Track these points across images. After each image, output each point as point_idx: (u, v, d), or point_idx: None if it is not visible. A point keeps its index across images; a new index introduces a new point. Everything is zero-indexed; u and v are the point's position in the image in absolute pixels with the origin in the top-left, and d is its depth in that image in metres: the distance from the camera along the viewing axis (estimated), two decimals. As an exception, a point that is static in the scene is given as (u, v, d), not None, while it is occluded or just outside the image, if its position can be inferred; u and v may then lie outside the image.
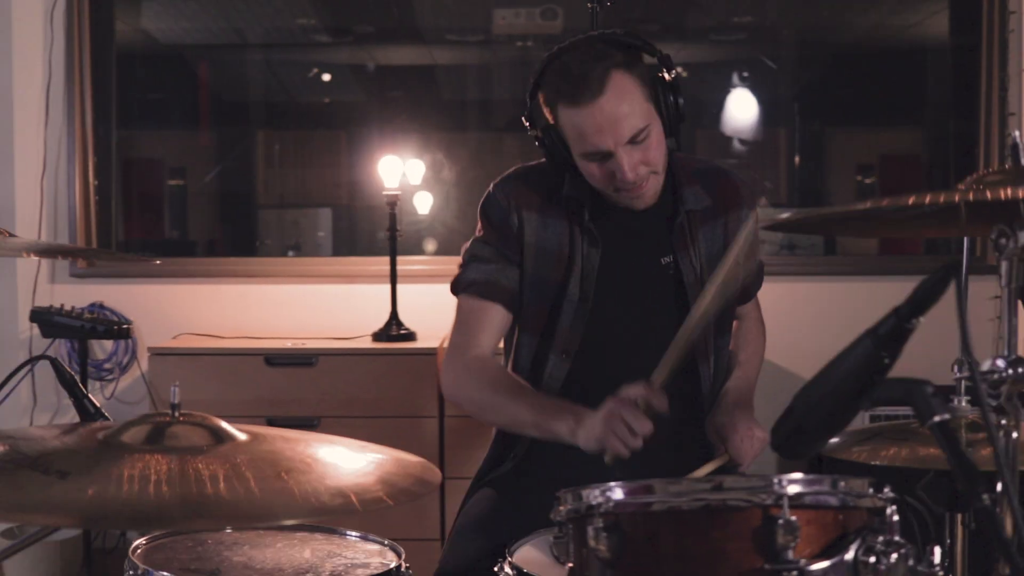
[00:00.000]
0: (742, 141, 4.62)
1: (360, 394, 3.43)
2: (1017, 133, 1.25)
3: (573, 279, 2.04)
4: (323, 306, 3.88)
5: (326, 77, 5.28)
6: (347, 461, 1.48)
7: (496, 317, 2.08)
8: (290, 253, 4.67)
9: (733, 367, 2.23)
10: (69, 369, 1.71)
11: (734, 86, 4.55)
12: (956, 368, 1.58)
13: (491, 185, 2.14)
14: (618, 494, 1.31)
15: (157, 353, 3.49)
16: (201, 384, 3.44)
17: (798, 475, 1.29)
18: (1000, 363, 1.24)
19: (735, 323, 2.30)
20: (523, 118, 2.03)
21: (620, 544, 1.27)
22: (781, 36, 4.70)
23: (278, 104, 5.23)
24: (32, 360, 1.72)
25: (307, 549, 1.88)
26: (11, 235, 1.69)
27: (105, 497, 1.17)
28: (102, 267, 3.96)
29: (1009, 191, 1.17)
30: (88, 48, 3.94)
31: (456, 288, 2.12)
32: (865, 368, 1.15)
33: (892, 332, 1.13)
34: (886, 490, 1.32)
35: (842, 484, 1.29)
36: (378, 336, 3.63)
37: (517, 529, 1.78)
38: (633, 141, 1.90)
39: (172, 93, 5.12)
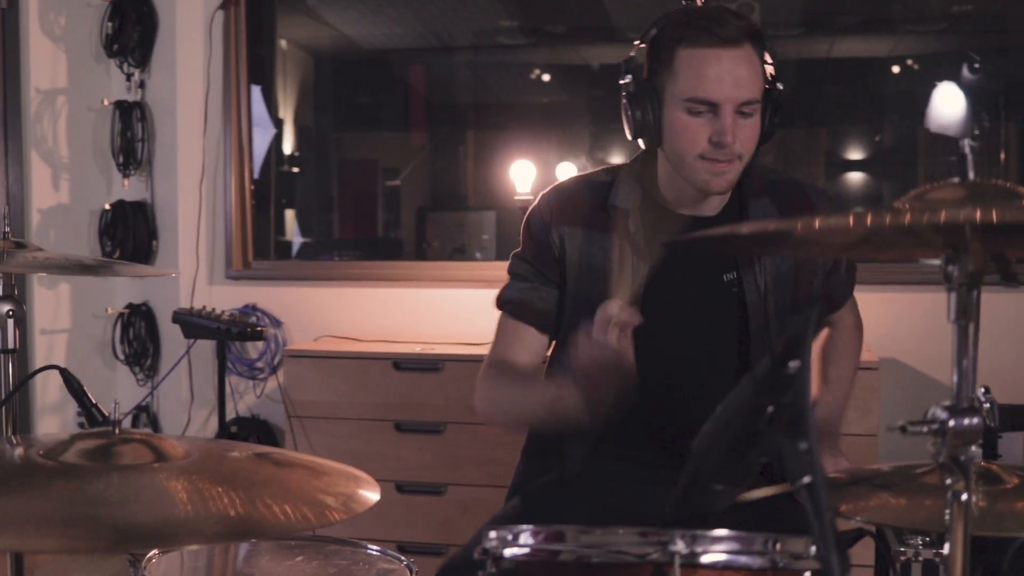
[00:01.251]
0: (973, 137, 4.30)
1: (485, 401, 3.39)
2: (967, 142, 1.06)
3: (620, 296, 1.91)
4: (461, 310, 3.87)
5: (546, 78, 5.30)
6: (283, 477, 1.44)
7: (528, 338, 1.99)
8: (477, 256, 4.71)
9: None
10: (77, 379, 1.74)
11: (962, 78, 4.24)
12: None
13: (537, 197, 2.04)
14: (524, 539, 1.21)
15: (292, 355, 3.57)
16: (332, 386, 3.50)
17: (721, 531, 1.16)
18: (940, 412, 1.06)
19: (826, 331, 2.11)
20: (623, 67, 1.89)
21: (509, 592, 1.18)
22: (1004, 24, 4.35)
23: (486, 105, 5.29)
24: (39, 370, 1.77)
25: (323, 563, 1.87)
26: (19, 245, 1.74)
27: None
28: (257, 270, 4.11)
29: (944, 214, 1.00)
30: (245, 59, 4.09)
31: (496, 304, 2.04)
32: (748, 416, 1.01)
33: (770, 377, 0.98)
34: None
35: (776, 545, 1.15)
36: (508, 343, 3.58)
37: None
38: (741, 111, 1.79)
39: (381, 96, 5.28)
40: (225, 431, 3.94)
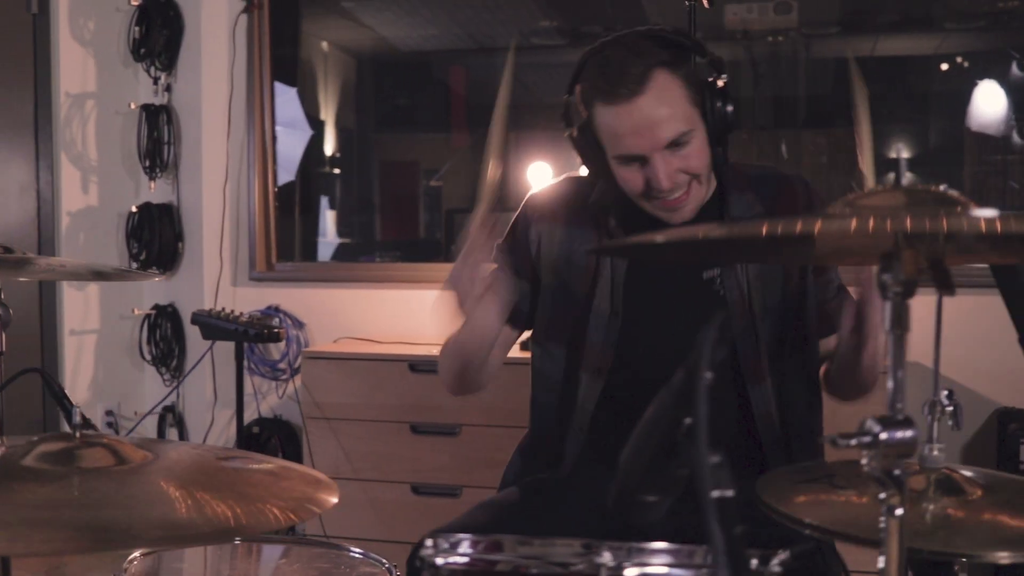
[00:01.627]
0: (1021, 135, 4.24)
1: (500, 403, 3.38)
2: (900, 147, 1.03)
3: (600, 291, 1.92)
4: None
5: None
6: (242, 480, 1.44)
7: None
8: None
9: None
10: (57, 383, 1.76)
11: (1010, 77, 4.16)
12: (926, 409, 1.35)
13: (528, 195, 2.07)
14: (462, 548, 1.21)
15: (309, 357, 3.59)
16: (348, 388, 3.51)
17: (660, 544, 1.14)
18: (873, 425, 1.04)
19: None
20: (561, 116, 1.93)
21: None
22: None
23: (526, 106, 5.28)
24: (20, 373, 1.79)
25: (306, 566, 1.87)
26: (7, 250, 1.76)
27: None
28: (280, 271, 4.13)
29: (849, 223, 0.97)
30: (268, 61, 4.12)
31: None
32: (667, 426, 0.99)
33: (686, 388, 0.96)
34: (774, 562, 1.15)
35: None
36: (525, 345, 3.56)
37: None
38: (672, 146, 1.78)
39: (421, 98, 5.30)
40: (247, 432, 3.97)
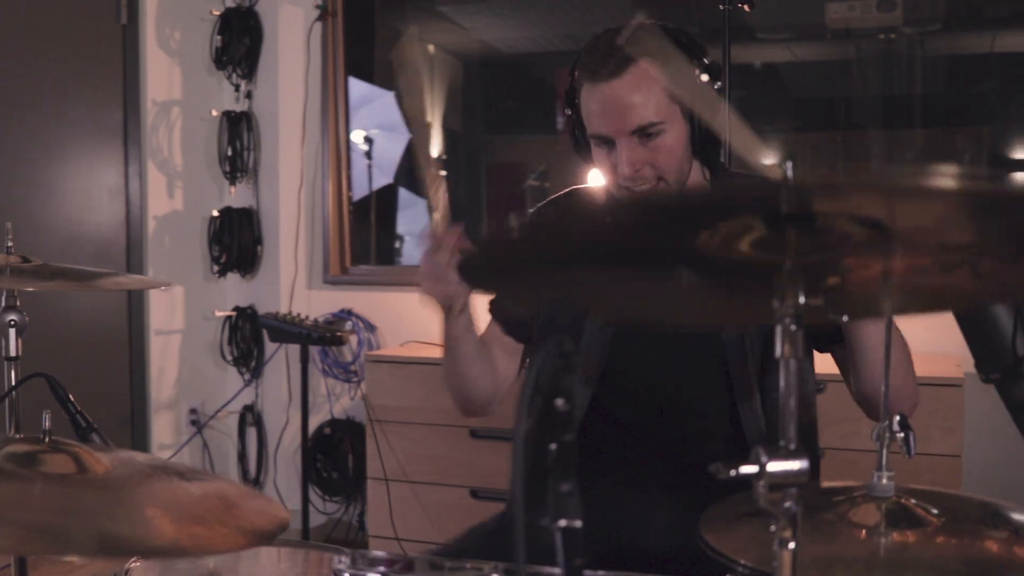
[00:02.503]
0: None
1: (558, 409, 3.36)
2: (789, 164, 0.99)
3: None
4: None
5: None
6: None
7: (497, 336, 2.04)
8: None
9: None
10: (62, 386, 1.82)
11: None
12: (874, 435, 1.29)
13: (535, 207, 2.07)
14: (375, 566, 1.21)
15: (372, 360, 3.63)
16: (410, 391, 3.54)
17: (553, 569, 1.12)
18: (762, 455, 1.00)
19: None
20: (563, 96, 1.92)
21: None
22: None
23: None
24: (27, 378, 1.85)
25: (296, 569, 1.89)
26: (26, 260, 1.83)
27: None
28: (353, 275, 4.19)
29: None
30: (343, 69, 4.17)
31: None
32: (535, 453, 0.97)
33: (544, 416, 0.94)
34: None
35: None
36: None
37: None
38: (641, 134, 1.74)
39: (528, 100, 5.32)
40: (319, 433, 4.04)
